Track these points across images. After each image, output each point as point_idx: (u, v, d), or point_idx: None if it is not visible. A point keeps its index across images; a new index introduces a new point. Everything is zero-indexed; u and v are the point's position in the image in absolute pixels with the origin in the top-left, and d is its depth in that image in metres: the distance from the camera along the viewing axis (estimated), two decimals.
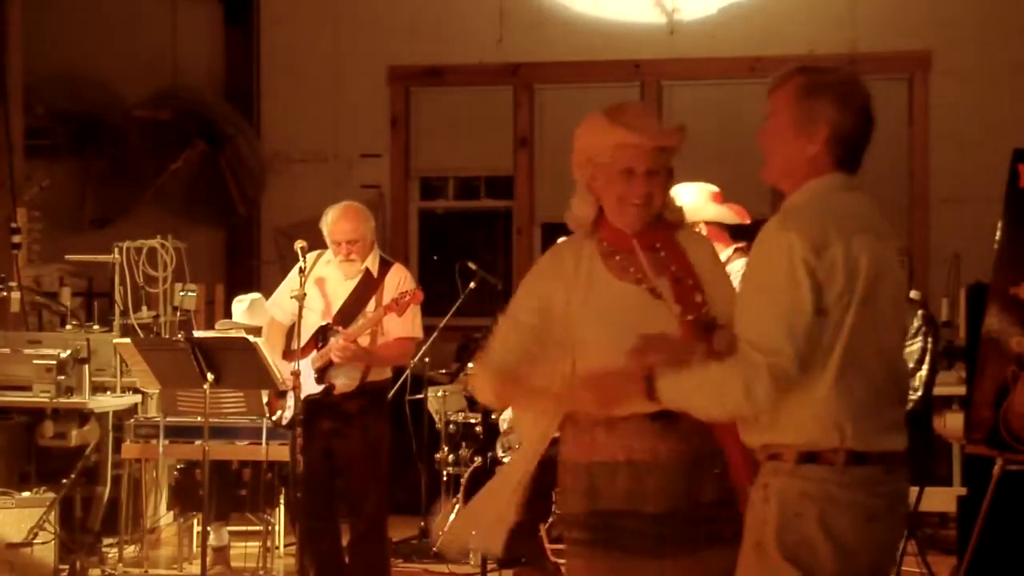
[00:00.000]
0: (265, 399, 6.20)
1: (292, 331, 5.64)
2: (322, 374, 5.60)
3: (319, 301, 5.68)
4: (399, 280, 5.68)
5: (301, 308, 5.52)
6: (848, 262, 2.88)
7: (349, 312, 5.66)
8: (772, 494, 2.93)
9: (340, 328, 5.60)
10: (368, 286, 5.69)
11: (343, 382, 5.60)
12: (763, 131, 3.10)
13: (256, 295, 7.32)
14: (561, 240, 3.61)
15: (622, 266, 3.37)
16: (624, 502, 3.30)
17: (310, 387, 5.58)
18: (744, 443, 3.06)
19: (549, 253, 3.55)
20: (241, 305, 7.21)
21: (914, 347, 5.62)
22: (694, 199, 5.19)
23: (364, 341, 5.58)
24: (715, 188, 5.43)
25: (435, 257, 9.83)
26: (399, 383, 7.35)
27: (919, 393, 5.61)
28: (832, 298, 2.86)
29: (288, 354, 5.69)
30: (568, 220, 3.49)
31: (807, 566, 2.86)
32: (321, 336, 5.64)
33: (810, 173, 3.02)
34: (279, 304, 5.84)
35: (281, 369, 5.73)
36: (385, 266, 5.73)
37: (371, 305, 5.66)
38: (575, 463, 3.39)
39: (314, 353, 5.62)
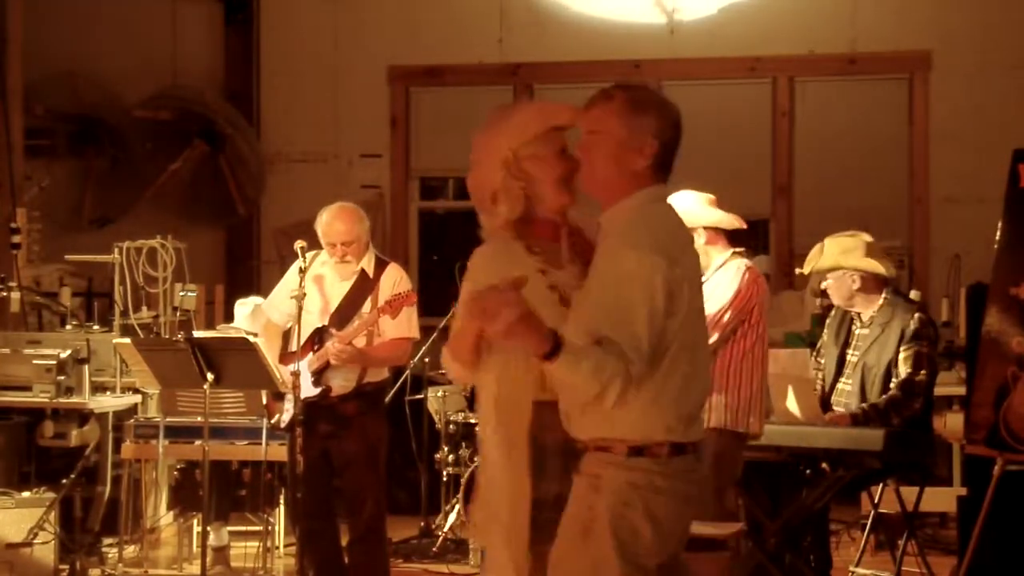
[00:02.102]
0: (264, 402, 6.20)
1: (288, 334, 5.63)
2: (319, 376, 5.59)
3: (316, 302, 5.67)
4: (395, 280, 5.67)
5: (300, 308, 5.51)
6: (684, 278, 3.17)
7: (345, 313, 5.65)
8: (604, 484, 3.17)
9: (335, 330, 5.60)
10: (364, 286, 5.67)
11: (340, 384, 5.60)
12: (586, 145, 3.28)
13: (259, 299, 7.31)
14: (481, 252, 3.47)
15: (547, 262, 3.41)
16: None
17: (307, 389, 5.57)
18: (571, 435, 3.26)
19: (486, 263, 3.42)
20: (244, 309, 7.21)
21: (911, 351, 5.60)
22: (693, 205, 5.22)
23: (360, 342, 5.57)
24: (711, 196, 5.45)
25: (435, 257, 9.84)
26: (399, 383, 7.35)
27: (919, 399, 5.60)
28: (673, 308, 3.15)
29: (284, 357, 5.68)
30: (491, 227, 3.44)
31: (631, 549, 3.14)
32: (317, 338, 5.63)
33: (632, 185, 3.25)
34: (275, 306, 5.83)
35: (279, 371, 5.73)
36: (381, 266, 5.72)
37: (367, 305, 5.65)
38: (553, 445, 3.36)
39: (311, 355, 5.61)
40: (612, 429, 3.17)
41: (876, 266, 5.69)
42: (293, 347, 5.54)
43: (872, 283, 5.72)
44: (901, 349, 5.59)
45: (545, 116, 3.43)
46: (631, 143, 3.23)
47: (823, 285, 5.86)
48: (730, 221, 5.36)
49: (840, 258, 5.68)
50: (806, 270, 5.84)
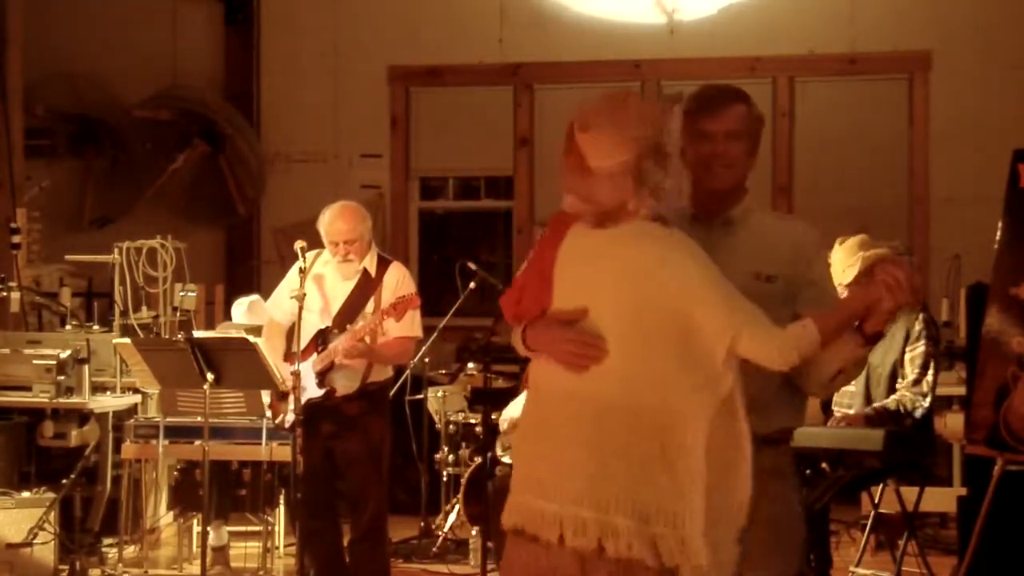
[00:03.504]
0: (267, 401, 6.19)
1: (291, 332, 5.63)
2: (323, 377, 5.59)
3: (317, 302, 5.68)
4: (398, 279, 5.67)
5: (301, 308, 5.51)
6: None
7: (348, 313, 5.65)
8: (786, 474, 3.35)
9: (337, 330, 5.59)
10: (367, 286, 5.68)
11: (344, 384, 5.60)
12: (734, 139, 3.34)
13: (255, 296, 7.31)
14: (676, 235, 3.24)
15: None
16: None
17: (312, 390, 5.57)
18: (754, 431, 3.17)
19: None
20: (240, 308, 7.21)
21: (917, 351, 5.59)
22: None
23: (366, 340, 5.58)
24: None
25: (435, 257, 9.83)
26: (399, 383, 7.35)
27: (928, 399, 5.59)
28: None
29: (289, 356, 5.68)
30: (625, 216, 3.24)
31: None
32: (321, 339, 5.63)
33: (744, 185, 3.41)
34: (278, 305, 5.84)
35: (281, 370, 5.73)
36: (383, 265, 5.72)
37: (370, 305, 5.65)
38: None
39: (314, 356, 5.61)
40: (791, 418, 3.37)
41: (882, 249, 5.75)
42: (295, 347, 5.54)
43: None
44: (907, 349, 5.59)
45: (663, 112, 3.29)
46: (755, 146, 3.38)
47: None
48: None
49: (868, 252, 5.67)
50: (846, 279, 5.74)
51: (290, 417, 5.64)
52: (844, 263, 5.70)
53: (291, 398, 5.56)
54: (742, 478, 3.06)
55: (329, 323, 5.66)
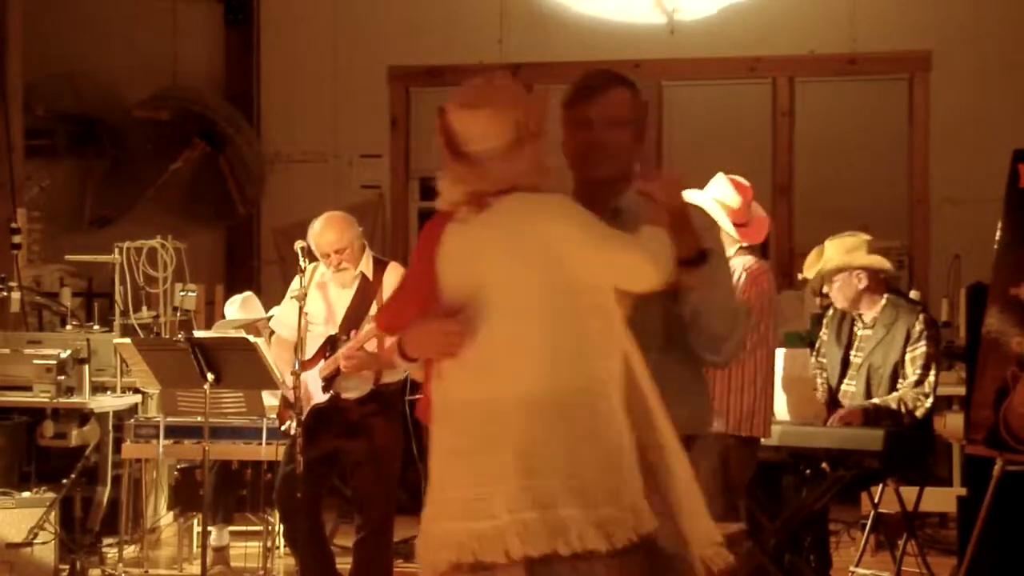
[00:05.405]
0: (270, 403, 6.18)
1: (298, 347, 5.61)
2: (329, 383, 5.57)
3: (321, 313, 5.63)
4: (396, 279, 5.65)
5: (301, 308, 5.50)
6: None
7: (353, 319, 5.60)
8: None
9: (345, 337, 5.57)
10: (367, 290, 5.64)
11: (356, 386, 5.56)
12: (613, 124, 3.16)
13: (247, 293, 7.30)
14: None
15: None
16: None
17: (318, 396, 5.56)
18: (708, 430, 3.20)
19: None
20: (233, 305, 7.20)
21: (918, 351, 5.58)
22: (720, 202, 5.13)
23: (370, 347, 5.56)
24: (747, 185, 5.34)
25: None
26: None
27: (930, 399, 5.58)
28: None
29: (301, 364, 5.65)
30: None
31: None
32: (330, 346, 5.61)
33: (632, 171, 3.18)
34: (283, 322, 5.78)
35: (282, 370, 5.72)
36: (380, 266, 5.68)
37: (373, 308, 5.62)
38: None
39: (322, 362, 5.59)
40: (702, 424, 3.25)
41: (883, 262, 5.69)
42: (303, 355, 5.54)
43: (876, 283, 5.72)
44: (908, 349, 5.58)
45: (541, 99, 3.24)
46: (640, 132, 3.20)
47: (825, 289, 5.81)
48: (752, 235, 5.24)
49: (847, 257, 5.65)
50: (809, 274, 5.76)
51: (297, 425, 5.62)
52: (809, 266, 5.72)
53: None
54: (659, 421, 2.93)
55: (336, 331, 5.63)
